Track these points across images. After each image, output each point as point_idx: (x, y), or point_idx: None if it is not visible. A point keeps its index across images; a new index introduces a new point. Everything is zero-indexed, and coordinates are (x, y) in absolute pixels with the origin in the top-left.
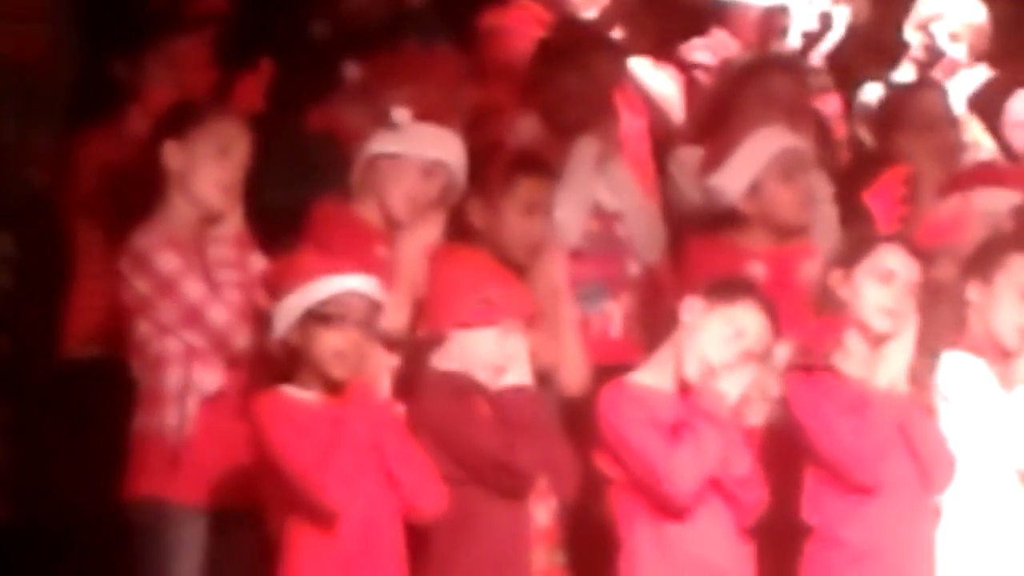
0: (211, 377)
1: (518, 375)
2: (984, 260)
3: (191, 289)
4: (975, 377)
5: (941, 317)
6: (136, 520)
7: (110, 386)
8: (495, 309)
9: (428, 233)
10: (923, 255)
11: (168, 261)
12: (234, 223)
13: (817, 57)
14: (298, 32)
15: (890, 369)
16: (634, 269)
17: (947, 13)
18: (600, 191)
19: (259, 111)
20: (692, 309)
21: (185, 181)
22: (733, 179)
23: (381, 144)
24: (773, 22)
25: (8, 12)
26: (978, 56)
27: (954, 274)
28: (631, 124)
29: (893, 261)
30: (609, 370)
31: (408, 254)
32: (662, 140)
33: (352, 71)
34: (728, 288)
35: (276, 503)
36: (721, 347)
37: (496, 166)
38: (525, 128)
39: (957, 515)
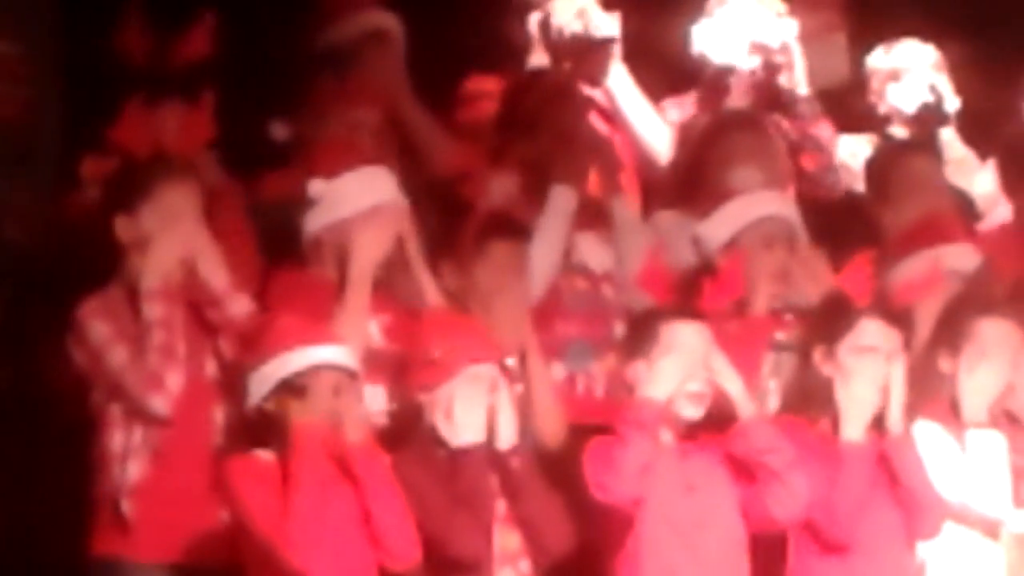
0: (151, 438)
1: (503, 430)
2: (951, 330)
3: (116, 356)
4: (943, 451)
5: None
6: None
7: (81, 446)
8: (444, 366)
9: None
10: (899, 318)
11: (99, 328)
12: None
13: (803, 87)
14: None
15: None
16: (620, 329)
17: (896, 65)
18: (587, 250)
19: None
20: (638, 375)
21: (141, 254)
22: (715, 231)
23: (315, 220)
24: (722, 81)
25: None
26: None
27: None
28: None
29: (873, 336)
30: (592, 429)
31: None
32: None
33: (279, 130)
34: (650, 333)
35: (252, 564)
36: (690, 378)
37: (469, 229)
38: (498, 189)
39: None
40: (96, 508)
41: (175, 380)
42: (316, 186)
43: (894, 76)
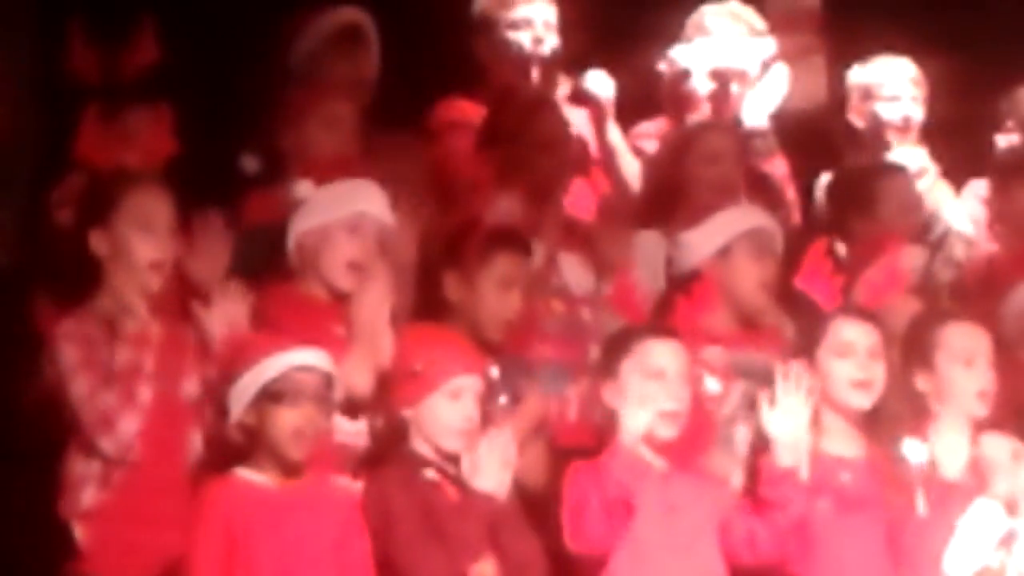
0: (112, 464)
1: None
2: (920, 346)
3: (77, 387)
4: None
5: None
6: None
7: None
8: (426, 379)
9: (378, 290)
10: (872, 317)
11: (68, 353)
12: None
13: (763, 119)
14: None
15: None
16: (596, 354)
17: (875, 80)
18: (569, 273)
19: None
20: (613, 396)
21: (119, 266)
22: (704, 240)
23: (299, 222)
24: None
25: None
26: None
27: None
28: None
29: (849, 333)
30: (564, 453)
31: (362, 315)
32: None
33: (250, 164)
34: (624, 351)
35: None
36: (665, 397)
37: (473, 241)
38: (504, 205)
39: None
40: (62, 527)
41: (128, 424)
42: (302, 188)
43: (873, 91)
